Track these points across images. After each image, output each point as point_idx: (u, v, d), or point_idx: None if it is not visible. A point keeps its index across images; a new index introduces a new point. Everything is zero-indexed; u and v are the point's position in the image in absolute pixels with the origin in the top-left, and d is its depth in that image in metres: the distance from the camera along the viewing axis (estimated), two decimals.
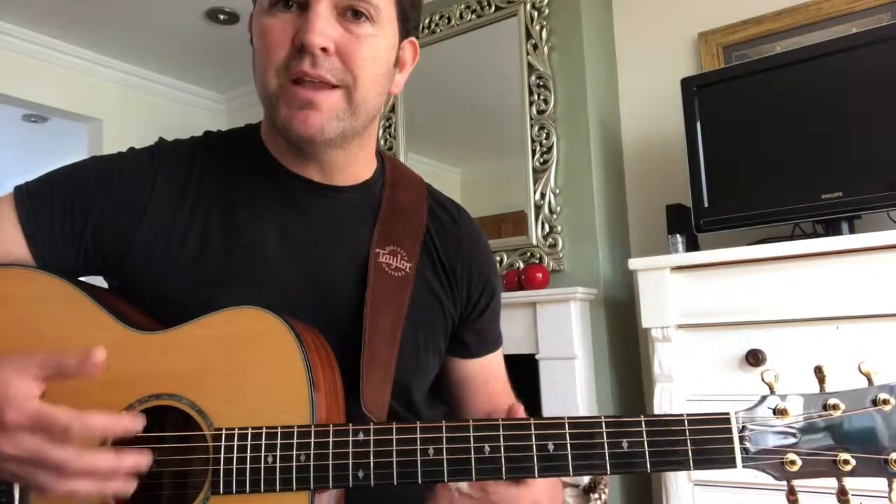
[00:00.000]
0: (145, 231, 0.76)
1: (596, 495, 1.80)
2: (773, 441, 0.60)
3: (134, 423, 0.60)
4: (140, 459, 0.59)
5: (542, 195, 2.37)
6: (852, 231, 1.77)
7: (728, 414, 0.60)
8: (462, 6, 2.66)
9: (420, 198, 0.89)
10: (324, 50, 0.69)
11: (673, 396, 1.74)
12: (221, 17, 3.05)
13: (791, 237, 1.89)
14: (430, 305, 0.84)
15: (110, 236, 0.76)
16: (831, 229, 1.80)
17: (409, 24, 0.79)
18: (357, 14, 0.71)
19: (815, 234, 1.87)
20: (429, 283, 0.85)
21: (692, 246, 1.99)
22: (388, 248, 0.81)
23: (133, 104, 3.57)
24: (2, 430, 0.57)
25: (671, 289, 1.77)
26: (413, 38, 0.82)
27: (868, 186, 1.71)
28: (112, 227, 0.76)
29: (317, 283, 0.78)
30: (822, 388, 0.61)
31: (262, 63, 0.72)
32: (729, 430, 0.60)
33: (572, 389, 2.11)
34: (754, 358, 1.64)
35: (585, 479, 1.89)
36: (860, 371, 0.60)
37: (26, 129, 4.40)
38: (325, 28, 0.69)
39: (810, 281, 1.61)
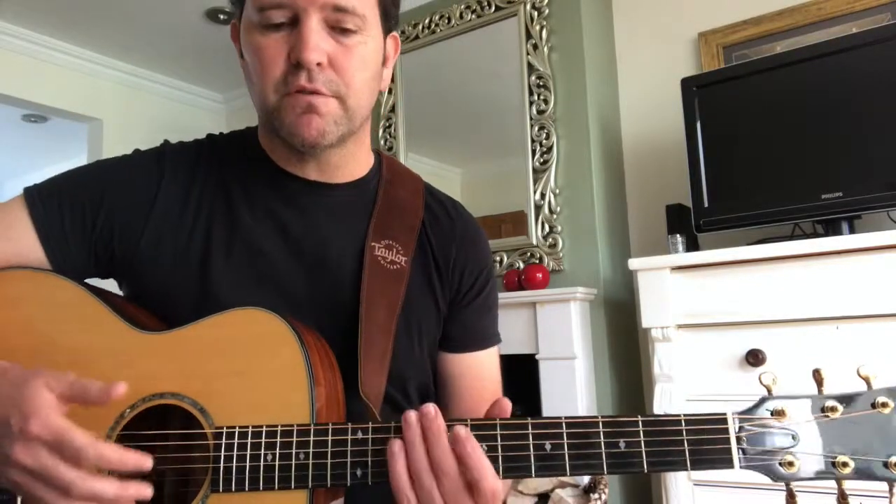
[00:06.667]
0: (152, 231, 0.78)
1: (596, 495, 1.80)
2: (770, 442, 0.60)
3: (144, 462, 0.60)
4: (142, 489, 0.59)
5: (542, 195, 2.37)
6: (852, 231, 1.77)
7: (725, 415, 0.60)
8: (462, 6, 2.66)
9: (416, 194, 0.91)
10: (318, 64, 0.72)
11: (673, 396, 1.74)
12: (221, 17, 3.05)
13: (791, 237, 1.89)
14: (424, 298, 0.86)
15: (119, 236, 0.78)
16: (831, 229, 1.79)
17: (390, 22, 0.82)
18: (345, 28, 0.73)
19: (815, 234, 1.87)
20: (423, 276, 0.86)
21: (692, 246, 1.99)
22: (384, 242, 0.83)
23: (133, 104, 3.57)
24: (23, 438, 0.58)
25: (671, 289, 1.77)
26: (395, 33, 0.85)
27: (868, 186, 1.71)
28: (120, 227, 0.78)
29: (315, 278, 0.80)
30: (820, 391, 0.61)
31: (261, 81, 0.74)
32: (726, 431, 0.60)
33: (572, 390, 2.11)
34: (754, 358, 1.63)
35: (585, 480, 1.89)
36: (859, 375, 0.59)
37: (26, 129, 4.40)
38: (318, 43, 0.71)
39: (810, 281, 1.60)
